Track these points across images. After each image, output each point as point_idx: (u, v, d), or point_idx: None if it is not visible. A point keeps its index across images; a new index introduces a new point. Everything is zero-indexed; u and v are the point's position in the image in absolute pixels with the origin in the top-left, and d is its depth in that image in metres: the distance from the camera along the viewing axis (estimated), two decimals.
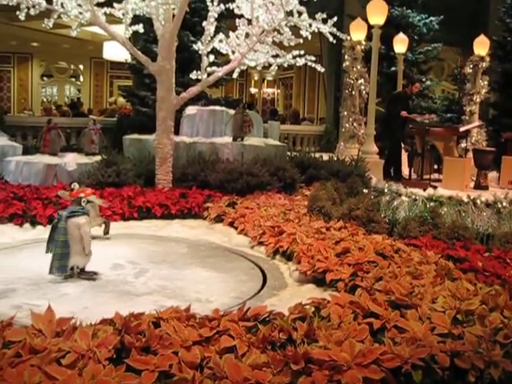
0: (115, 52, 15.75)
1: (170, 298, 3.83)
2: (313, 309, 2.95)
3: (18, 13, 6.74)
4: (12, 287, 3.94)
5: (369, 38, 11.75)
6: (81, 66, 25.37)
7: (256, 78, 26.50)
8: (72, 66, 25.56)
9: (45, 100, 24.97)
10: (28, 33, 18.63)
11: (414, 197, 6.44)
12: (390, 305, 2.98)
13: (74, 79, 26.11)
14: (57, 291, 3.90)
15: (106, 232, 4.92)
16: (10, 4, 6.72)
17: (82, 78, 25.65)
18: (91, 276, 4.21)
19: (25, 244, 5.27)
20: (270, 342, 2.50)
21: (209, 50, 7.63)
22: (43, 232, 5.57)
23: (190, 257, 5.07)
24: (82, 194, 4.18)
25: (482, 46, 13.04)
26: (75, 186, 4.33)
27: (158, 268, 4.61)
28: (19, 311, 3.26)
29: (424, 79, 14.67)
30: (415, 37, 14.27)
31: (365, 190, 7.06)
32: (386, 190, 6.88)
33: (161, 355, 2.29)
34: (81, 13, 6.95)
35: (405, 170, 10.43)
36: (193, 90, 7.85)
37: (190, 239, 5.75)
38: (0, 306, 3.56)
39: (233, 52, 7.82)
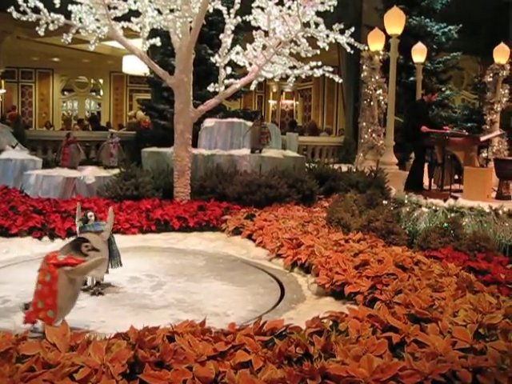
0: (134, 66, 15.86)
1: (186, 311, 3.80)
2: (330, 323, 2.89)
3: (37, 28, 6.81)
4: (30, 300, 3.92)
5: (387, 47, 11.70)
6: (101, 81, 25.65)
7: (274, 89, 26.54)
8: (92, 81, 25.85)
9: (66, 114, 25.25)
10: (49, 48, 18.90)
11: (434, 208, 6.33)
12: (410, 318, 2.91)
13: (94, 93, 26.40)
14: None
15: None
16: (30, 20, 6.79)
17: (102, 92, 25.92)
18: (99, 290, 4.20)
19: (43, 257, 5.26)
20: (286, 356, 2.45)
21: (226, 62, 7.62)
22: (61, 245, 5.59)
23: (207, 270, 5.04)
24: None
25: (502, 54, 12.92)
26: (91, 216, 4.31)
27: (175, 281, 4.59)
28: (36, 325, 3.27)
29: (443, 89, 14.53)
30: (434, 46, 14.17)
31: (384, 202, 6.97)
32: (405, 201, 6.79)
33: (175, 370, 2.26)
34: (99, 27, 7.01)
35: (425, 181, 10.32)
36: (210, 103, 7.86)
37: (207, 252, 5.73)
38: (17, 319, 3.55)
39: (250, 64, 7.82)
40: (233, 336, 2.60)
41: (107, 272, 4.31)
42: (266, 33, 7.53)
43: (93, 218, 4.21)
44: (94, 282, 4.19)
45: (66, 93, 25.88)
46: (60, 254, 3.36)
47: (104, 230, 4.18)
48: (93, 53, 18.62)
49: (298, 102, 26.62)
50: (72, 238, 4.22)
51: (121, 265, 4.38)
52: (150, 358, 2.30)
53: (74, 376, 2.19)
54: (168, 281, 4.59)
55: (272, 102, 27.02)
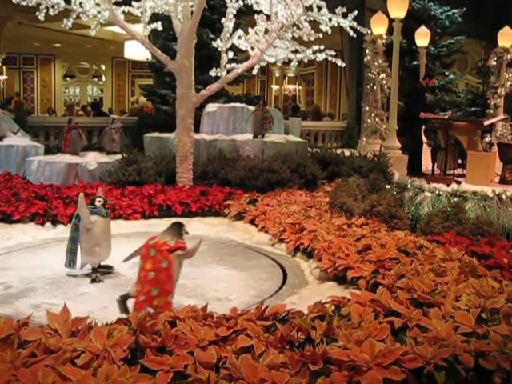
0: (136, 51, 15.76)
1: (189, 296, 3.80)
2: (333, 307, 2.89)
3: (37, 13, 6.76)
4: (32, 286, 3.96)
5: (390, 31, 11.62)
6: (103, 66, 25.56)
7: (277, 74, 26.41)
8: (94, 66, 25.77)
9: (68, 100, 25.20)
10: (50, 34, 18.81)
11: (437, 192, 6.31)
12: (412, 303, 2.91)
13: (96, 79, 26.33)
14: (76, 290, 3.90)
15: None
16: (30, 5, 6.74)
17: (104, 78, 25.84)
18: (107, 270, 4.21)
19: (46, 243, 5.30)
20: (288, 341, 2.45)
21: (228, 46, 7.57)
22: (64, 231, 5.59)
23: (209, 255, 5.03)
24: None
25: (506, 38, 12.82)
26: (100, 191, 4.34)
27: None
28: (38, 310, 3.27)
29: (447, 73, 14.43)
30: (437, 30, 14.04)
31: (387, 186, 6.94)
32: (408, 186, 6.77)
33: (176, 355, 2.25)
34: (99, 12, 6.96)
35: (428, 165, 10.30)
36: (212, 88, 7.81)
37: (210, 237, 5.71)
38: (19, 305, 3.57)
39: (252, 48, 7.76)
40: (234, 321, 2.60)
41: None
42: (268, 17, 7.46)
43: (101, 202, 4.20)
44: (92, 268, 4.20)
45: (68, 79, 25.81)
46: (160, 238, 3.31)
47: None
48: (94, 38, 18.50)
49: (300, 87, 26.50)
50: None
51: None
52: (152, 344, 2.30)
53: (75, 361, 2.19)
54: None
55: (275, 87, 26.91)
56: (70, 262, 4.20)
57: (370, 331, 2.51)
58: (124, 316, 2.75)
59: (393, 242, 4.33)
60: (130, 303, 3.29)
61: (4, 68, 22.15)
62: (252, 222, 6.07)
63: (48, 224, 5.84)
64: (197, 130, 8.93)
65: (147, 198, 6.65)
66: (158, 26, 7.40)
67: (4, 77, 22.59)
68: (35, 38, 20.72)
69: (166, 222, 6.21)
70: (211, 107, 9.62)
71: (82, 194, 4.14)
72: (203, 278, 4.31)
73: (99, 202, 4.19)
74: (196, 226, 6.08)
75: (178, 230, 3.38)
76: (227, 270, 4.56)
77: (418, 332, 2.55)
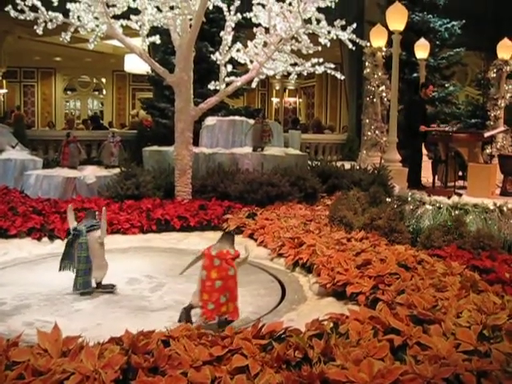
0: (136, 64, 15.80)
1: None
2: (331, 325, 2.82)
3: (35, 27, 6.75)
4: (26, 303, 3.89)
5: (389, 44, 11.62)
6: (103, 80, 25.63)
7: (277, 87, 26.45)
8: (94, 80, 25.82)
9: (69, 114, 25.24)
10: (51, 48, 18.86)
11: (438, 205, 6.25)
12: (412, 320, 2.83)
13: (96, 93, 26.37)
14: (70, 307, 3.83)
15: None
16: (28, 18, 6.73)
17: (104, 92, 25.88)
18: (111, 289, 4.15)
19: (42, 258, 5.23)
20: (284, 360, 2.38)
21: (226, 59, 7.54)
22: (61, 246, 5.49)
23: None
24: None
25: (505, 50, 12.84)
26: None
27: (175, 282, 4.51)
28: (31, 328, 3.20)
29: (447, 85, 14.43)
30: (437, 42, 14.07)
31: (388, 199, 6.89)
32: (409, 199, 6.71)
33: (169, 376, 2.19)
34: (97, 25, 6.94)
35: (429, 178, 10.25)
36: (211, 101, 7.78)
37: None
38: (13, 322, 3.50)
39: (251, 61, 7.74)
40: (230, 340, 2.53)
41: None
42: (267, 30, 7.45)
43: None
44: (95, 285, 4.13)
45: (68, 92, 25.86)
46: (219, 248, 3.44)
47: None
48: (95, 52, 18.58)
49: (301, 100, 26.53)
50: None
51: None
52: (144, 364, 2.23)
53: (64, 383, 2.12)
54: (168, 282, 4.52)
55: (275, 100, 26.95)
56: (85, 283, 4.06)
57: (368, 350, 2.44)
58: (139, 329, 2.62)
59: (393, 257, 4.26)
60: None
61: (4, 82, 22.21)
62: (251, 236, 6.00)
63: (45, 239, 5.77)
64: (196, 143, 8.89)
65: (145, 212, 6.58)
66: (157, 39, 7.37)
67: (4, 90, 22.64)
68: (35, 51, 20.79)
69: (165, 237, 6.21)
70: (210, 120, 9.60)
71: (104, 209, 4.22)
72: None
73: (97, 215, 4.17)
74: (194, 241, 6.02)
75: (231, 238, 3.55)
76: None
77: (419, 350, 2.48)
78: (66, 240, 5.05)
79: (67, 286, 4.16)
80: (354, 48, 7.48)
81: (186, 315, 3.42)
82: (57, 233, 5.81)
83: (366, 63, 12.43)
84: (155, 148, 9.48)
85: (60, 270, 4.14)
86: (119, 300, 4.02)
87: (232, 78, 7.70)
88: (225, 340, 2.54)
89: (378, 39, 11.81)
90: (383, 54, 12.23)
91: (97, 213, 4.26)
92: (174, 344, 2.43)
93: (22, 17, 6.70)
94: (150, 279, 4.58)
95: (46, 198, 7.11)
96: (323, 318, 2.93)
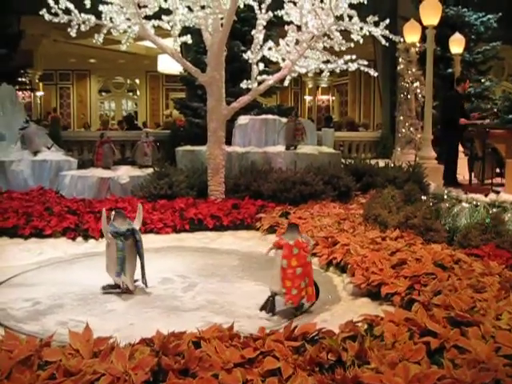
0: (169, 65, 15.90)
1: (217, 313, 3.71)
2: (365, 326, 2.76)
3: (68, 29, 6.82)
4: (60, 302, 3.92)
5: (423, 39, 11.43)
6: (137, 81, 25.90)
7: (310, 85, 26.33)
8: (128, 81, 26.09)
9: (103, 115, 25.56)
10: (85, 50, 19.17)
11: (475, 203, 6.10)
12: (450, 322, 2.75)
13: (130, 93, 26.65)
14: (103, 307, 3.84)
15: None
16: (62, 21, 6.80)
17: (138, 92, 26.14)
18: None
19: (76, 258, 5.28)
20: (317, 363, 2.33)
21: (258, 58, 7.51)
22: (95, 246, 5.59)
23: (241, 270, 4.94)
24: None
25: None
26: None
27: (207, 282, 4.50)
28: (64, 328, 3.21)
29: (483, 80, 14.13)
30: (472, 36, 13.80)
31: (423, 197, 6.76)
32: (445, 197, 6.57)
33: (200, 378, 2.16)
34: (129, 26, 6.98)
35: (465, 175, 10.05)
36: (243, 100, 7.75)
37: (241, 251, 5.63)
38: (47, 321, 3.53)
39: (283, 59, 7.70)
40: (262, 341, 2.49)
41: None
42: (299, 27, 7.39)
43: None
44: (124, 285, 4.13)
45: (103, 93, 26.20)
46: (292, 238, 3.65)
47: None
48: (128, 53, 18.84)
49: (334, 98, 26.36)
50: None
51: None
52: (174, 366, 2.21)
53: None
54: (200, 281, 4.51)
55: (308, 98, 26.82)
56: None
57: (404, 353, 2.37)
58: (171, 330, 2.61)
59: (429, 256, 4.17)
60: None
61: (41, 84, 22.62)
62: None
63: (79, 238, 5.82)
64: (229, 142, 8.88)
65: (178, 211, 6.60)
66: (188, 38, 7.37)
67: (41, 93, 23.05)
68: (71, 54, 21.15)
69: (198, 236, 6.21)
70: (243, 119, 9.58)
71: (140, 206, 4.34)
72: (234, 293, 4.21)
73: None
74: (227, 240, 6.01)
75: (297, 228, 3.76)
76: (259, 285, 4.44)
77: (456, 353, 2.40)
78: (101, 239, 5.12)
79: (100, 285, 4.18)
80: (387, 44, 7.36)
81: (271, 304, 3.69)
82: (91, 232, 5.85)
83: (400, 59, 12.25)
84: (188, 147, 9.50)
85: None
86: (152, 300, 4.02)
87: (264, 76, 7.65)
88: (257, 342, 2.50)
89: (411, 34, 11.63)
90: (417, 49, 12.05)
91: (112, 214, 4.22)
92: (204, 345, 2.40)
93: (56, 20, 6.77)
94: (182, 279, 4.57)
95: (81, 198, 7.20)
96: (357, 319, 2.87)
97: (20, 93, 17.94)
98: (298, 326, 2.71)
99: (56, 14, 6.75)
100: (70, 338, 2.47)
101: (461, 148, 10.83)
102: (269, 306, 3.71)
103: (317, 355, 2.36)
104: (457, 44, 12.45)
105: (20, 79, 12.18)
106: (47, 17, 6.78)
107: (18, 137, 8.81)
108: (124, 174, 8.06)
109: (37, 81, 21.23)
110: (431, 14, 10.46)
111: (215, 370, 2.22)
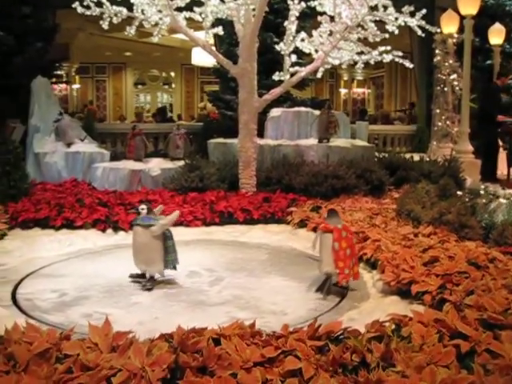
0: (203, 58, 15.84)
1: (242, 309, 3.65)
2: (392, 327, 2.65)
3: (101, 22, 6.83)
4: (86, 294, 3.92)
5: (461, 30, 11.14)
6: (172, 73, 25.98)
7: (346, 78, 26.02)
8: (163, 74, 26.21)
9: (139, 107, 25.74)
10: (121, 43, 19.25)
11: None
12: (482, 324, 2.63)
13: (166, 86, 26.76)
14: (129, 299, 3.82)
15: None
16: (94, 14, 6.81)
17: (173, 85, 26.24)
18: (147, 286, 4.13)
19: (106, 250, 5.29)
20: (340, 364, 2.25)
21: (291, 49, 7.41)
22: (125, 238, 5.57)
23: (269, 264, 4.87)
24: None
25: None
26: (143, 209, 4.16)
27: (234, 276, 4.45)
28: (88, 319, 3.19)
29: None
30: None
31: (458, 192, 6.58)
32: (481, 192, 6.38)
33: (217, 377, 2.10)
34: (161, 18, 6.94)
35: (503, 170, 9.77)
36: (275, 92, 7.66)
37: (271, 245, 5.57)
38: (71, 313, 3.53)
39: (316, 51, 7.57)
40: (284, 340, 2.42)
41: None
42: (332, 18, 7.25)
43: (144, 211, 4.09)
44: (148, 277, 4.11)
45: (138, 86, 26.38)
46: (337, 222, 3.96)
47: (155, 224, 4.04)
48: (163, 46, 18.87)
49: (369, 90, 26.00)
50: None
51: (177, 263, 4.23)
52: (192, 363, 2.15)
53: (111, 380, 2.07)
54: (227, 276, 4.46)
55: (343, 91, 26.52)
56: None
57: (432, 356, 2.27)
58: (193, 326, 2.57)
59: (462, 254, 4.03)
60: None
61: (77, 77, 22.89)
62: (315, 229, 5.82)
63: (109, 230, 5.83)
64: (261, 134, 8.80)
65: (209, 204, 6.56)
66: (220, 30, 7.31)
67: (78, 86, 23.33)
68: (106, 47, 21.31)
69: (228, 230, 6.16)
70: (275, 112, 9.49)
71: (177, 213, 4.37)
72: (260, 289, 4.15)
73: (142, 210, 4.10)
74: (257, 234, 5.94)
75: (337, 214, 4.08)
76: (286, 281, 4.38)
77: (488, 358, 2.28)
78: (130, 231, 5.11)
79: (127, 277, 4.17)
80: (423, 35, 7.17)
81: (328, 285, 3.95)
82: (121, 224, 5.86)
83: (437, 51, 11.98)
84: (220, 140, 9.46)
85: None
86: (178, 293, 3.99)
87: (296, 68, 7.55)
88: (279, 340, 2.42)
89: (449, 25, 11.35)
90: (454, 40, 11.76)
91: (141, 208, 4.17)
92: (224, 343, 2.34)
93: (88, 12, 6.78)
94: (209, 273, 4.54)
95: (112, 190, 7.22)
96: (384, 318, 2.77)
97: (56, 86, 18.22)
98: (321, 325, 2.63)
99: (88, 7, 6.76)
100: (90, 331, 2.44)
101: (499, 142, 10.54)
102: (326, 288, 3.93)
103: (340, 356, 2.28)
104: (496, 34, 12.09)
105: (55, 72, 12.26)
106: (79, 10, 6.80)
107: (52, 129, 8.89)
108: (155, 166, 8.07)
109: (73, 74, 21.50)
110: (470, 4, 10.16)
111: (234, 368, 2.16)
